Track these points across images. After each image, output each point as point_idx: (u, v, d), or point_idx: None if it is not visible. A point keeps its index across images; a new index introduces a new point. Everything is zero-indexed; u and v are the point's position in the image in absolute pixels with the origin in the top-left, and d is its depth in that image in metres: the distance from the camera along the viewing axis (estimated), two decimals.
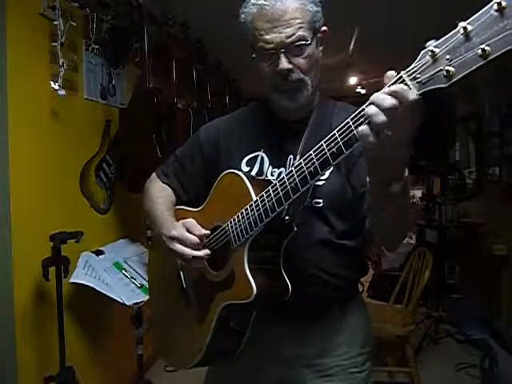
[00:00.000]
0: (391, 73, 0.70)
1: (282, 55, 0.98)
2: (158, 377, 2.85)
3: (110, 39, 2.43)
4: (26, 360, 1.82)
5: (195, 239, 1.01)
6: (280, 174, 1.07)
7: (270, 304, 0.99)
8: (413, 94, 0.67)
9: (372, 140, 0.69)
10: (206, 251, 1.02)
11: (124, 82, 2.69)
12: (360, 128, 0.71)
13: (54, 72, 1.98)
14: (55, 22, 1.93)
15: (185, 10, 2.90)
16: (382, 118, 0.67)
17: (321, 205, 1.03)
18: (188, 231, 1.03)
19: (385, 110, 0.67)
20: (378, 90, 0.71)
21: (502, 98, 3.70)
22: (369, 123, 0.70)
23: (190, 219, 1.06)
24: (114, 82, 2.51)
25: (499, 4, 0.59)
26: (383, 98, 0.68)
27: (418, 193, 5.68)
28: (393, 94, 0.67)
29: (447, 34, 0.65)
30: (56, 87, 1.96)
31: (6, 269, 1.75)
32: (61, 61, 1.96)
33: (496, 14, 0.60)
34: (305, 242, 1.03)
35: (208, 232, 1.03)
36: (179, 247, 1.02)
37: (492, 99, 3.90)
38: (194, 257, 1.01)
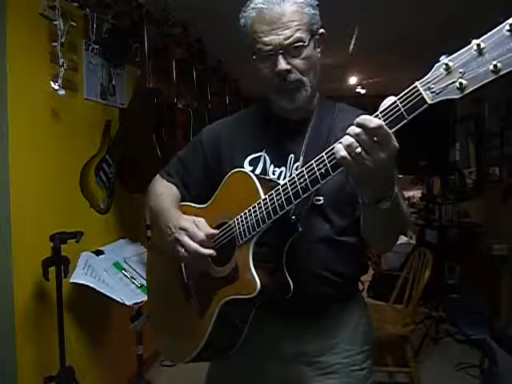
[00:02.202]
0: (389, 98, 0.76)
1: (281, 56, 1.00)
2: (158, 376, 2.85)
3: (110, 39, 2.43)
4: (25, 360, 1.82)
5: (203, 236, 1.01)
6: (281, 173, 1.08)
7: (270, 302, 1.00)
8: (374, 121, 0.74)
9: (346, 156, 0.77)
10: (212, 251, 1.02)
11: (124, 81, 2.69)
12: (336, 145, 0.79)
13: (54, 72, 1.98)
14: (55, 22, 1.93)
15: (185, 10, 2.90)
16: (349, 139, 0.76)
17: (321, 202, 1.05)
18: (197, 227, 1.03)
19: (354, 136, 0.76)
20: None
21: (502, 98, 3.70)
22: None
23: (200, 218, 1.06)
24: (113, 82, 2.51)
25: (511, 25, 0.65)
26: (352, 127, 0.76)
27: (418, 193, 5.69)
28: (358, 123, 0.75)
29: (461, 48, 0.70)
30: (56, 87, 1.96)
31: (6, 269, 1.75)
32: (61, 61, 1.96)
33: (508, 33, 0.65)
34: (305, 240, 1.03)
35: (216, 231, 1.04)
36: (187, 239, 1.02)
37: (492, 99, 3.90)
38: (199, 253, 1.01)
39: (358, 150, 0.75)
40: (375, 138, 0.75)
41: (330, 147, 0.83)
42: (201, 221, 1.05)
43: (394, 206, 0.84)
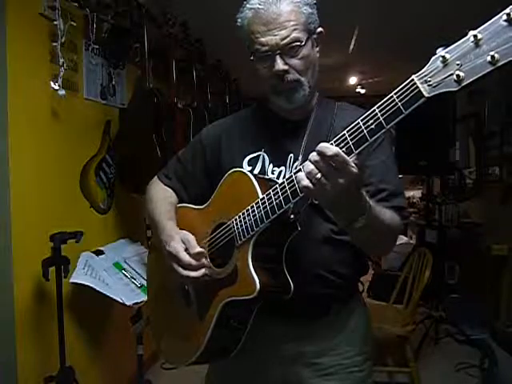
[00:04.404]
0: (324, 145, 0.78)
1: (278, 57, 1.00)
2: (158, 377, 2.85)
3: (110, 39, 2.43)
4: (26, 360, 1.82)
5: (189, 261, 1.01)
6: (280, 172, 1.08)
7: (270, 302, 1.00)
8: (331, 149, 0.76)
9: (308, 185, 0.79)
10: (201, 272, 1.01)
11: (124, 82, 2.69)
12: (298, 174, 0.82)
13: (54, 72, 1.98)
14: (55, 22, 1.93)
15: (185, 10, 2.90)
16: (310, 166, 0.79)
17: None
18: (184, 249, 1.03)
19: (313, 162, 0.79)
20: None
21: (502, 98, 3.70)
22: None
23: (190, 237, 1.05)
24: (113, 82, 2.51)
25: (508, 15, 0.64)
26: (312, 154, 0.79)
27: (418, 193, 5.69)
28: (317, 151, 0.78)
29: (457, 40, 0.69)
30: (56, 87, 1.96)
31: (6, 269, 1.75)
32: (61, 61, 1.96)
33: (505, 23, 0.64)
34: (305, 239, 1.03)
35: (202, 250, 1.03)
36: (175, 266, 1.03)
37: (492, 98, 3.90)
38: (188, 278, 1.02)
39: (318, 175, 0.78)
40: (333, 165, 0.77)
41: None
42: (188, 238, 1.04)
43: (370, 222, 0.86)
